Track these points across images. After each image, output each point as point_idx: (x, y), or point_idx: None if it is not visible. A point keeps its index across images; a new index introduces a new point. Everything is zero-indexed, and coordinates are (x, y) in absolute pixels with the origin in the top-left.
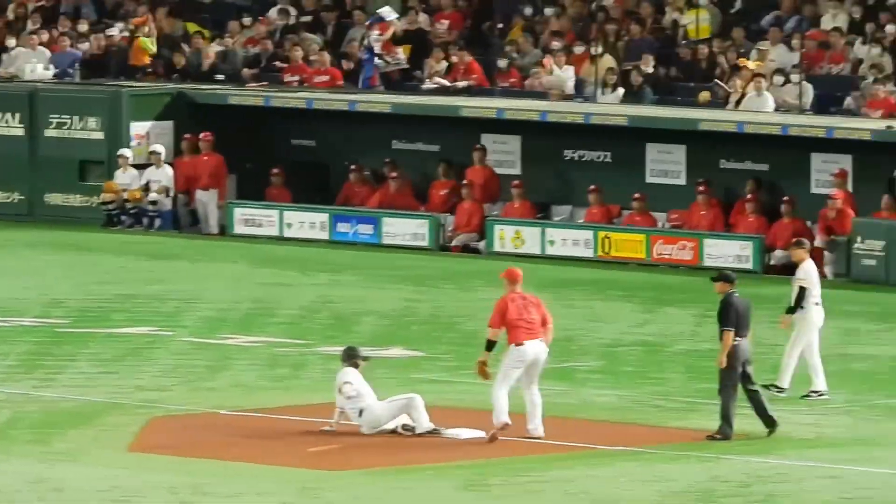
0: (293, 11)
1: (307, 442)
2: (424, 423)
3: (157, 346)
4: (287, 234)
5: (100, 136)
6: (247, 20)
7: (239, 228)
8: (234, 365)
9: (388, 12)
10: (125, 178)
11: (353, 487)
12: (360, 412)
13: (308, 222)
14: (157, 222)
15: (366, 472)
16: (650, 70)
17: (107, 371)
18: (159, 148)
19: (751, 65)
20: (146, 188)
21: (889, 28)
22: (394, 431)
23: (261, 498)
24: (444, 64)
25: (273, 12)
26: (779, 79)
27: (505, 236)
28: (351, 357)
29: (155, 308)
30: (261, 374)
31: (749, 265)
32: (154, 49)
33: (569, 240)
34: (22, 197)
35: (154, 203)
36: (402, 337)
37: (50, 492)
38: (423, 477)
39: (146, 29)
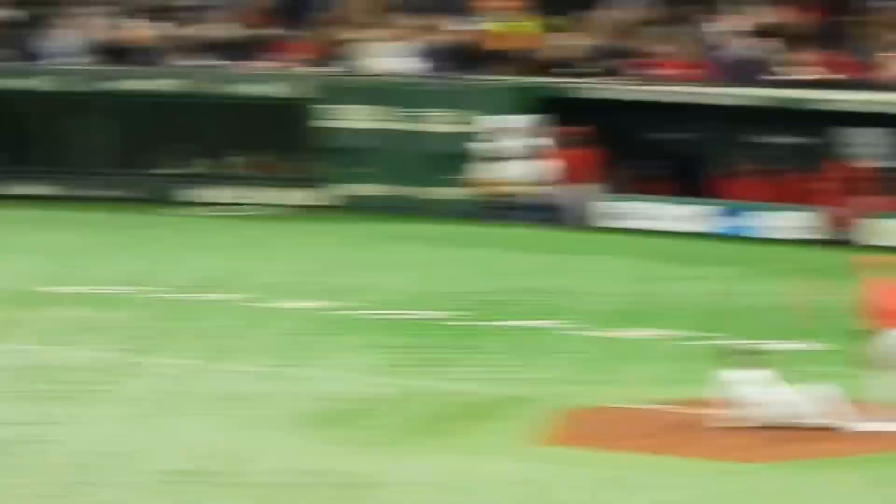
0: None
1: (717, 434)
2: (846, 417)
3: (554, 339)
4: (668, 227)
5: (471, 128)
6: (603, 12)
7: (617, 221)
8: (634, 358)
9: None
10: (506, 171)
11: (766, 481)
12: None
13: (687, 215)
14: (540, 215)
15: (775, 466)
16: None
17: (505, 364)
18: (539, 141)
19: None
20: (526, 182)
21: None
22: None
23: (678, 492)
24: (804, 56)
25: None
26: None
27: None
28: (742, 357)
29: (546, 300)
30: (668, 367)
31: None
32: (532, 34)
33: None
34: (405, 189)
35: (536, 196)
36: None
37: (473, 482)
38: (832, 469)
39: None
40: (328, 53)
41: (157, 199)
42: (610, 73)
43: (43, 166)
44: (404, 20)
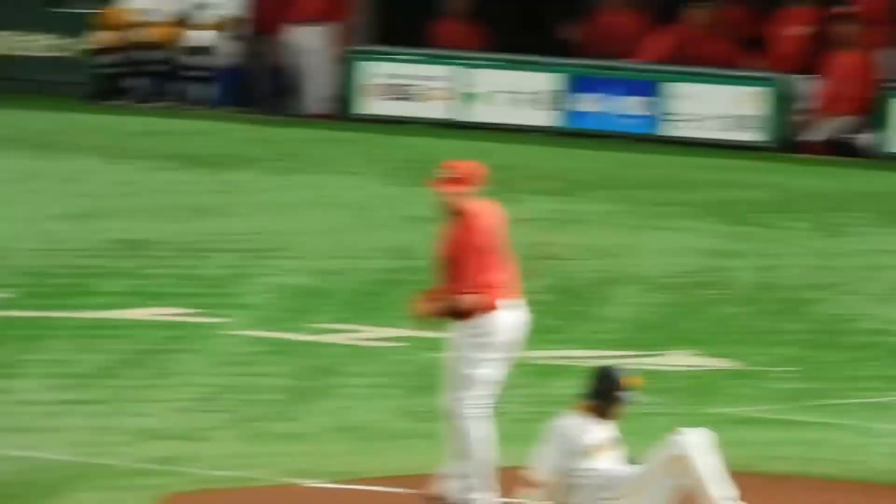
0: None
1: None
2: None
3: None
4: (472, 113)
5: None
6: None
7: (371, 105)
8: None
9: None
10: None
11: None
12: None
13: (517, 91)
14: (209, 89)
15: None
16: None
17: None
18: None
19: None
20: (185, 22)
21: None
22: None
23: None
24: None
25: None
26: None
27: None
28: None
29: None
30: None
31: None
32: None
33: None
34: None
35: (202, 51)
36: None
37: None
38: None
39: None
40: None
41: None
42: None
43: None
44: None
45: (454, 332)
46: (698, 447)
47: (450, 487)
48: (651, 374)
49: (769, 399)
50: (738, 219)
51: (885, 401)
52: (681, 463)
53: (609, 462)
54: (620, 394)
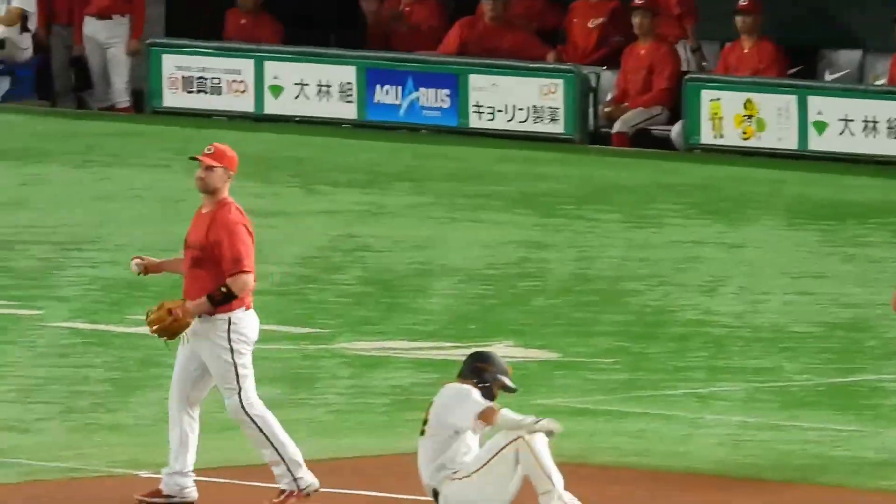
0: None
1: None
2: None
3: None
4: (271, 106)
5: None
6: None
7: (171, 98)
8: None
9: None
10: None
11: None
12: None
13: (315, 83)
14: (3, 82)
15: None
16: None
17: None
18: None
19: None
20: None
21: None
22: None
23: None
24: None
25: None
26: None
27: (722, 112)
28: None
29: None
30: None
31: None
32: None
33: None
34: None
35: None
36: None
37: None
38: None
39: None
40: None
41: None
42: None
43: None
44: None
45: (208, 332)
46: (542, 436)
47: (280, 476)
48: None
49: (593, 390)
50: (548, 211)
51: (709, 391)
52: (526, 446)
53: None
54: (497, 377)
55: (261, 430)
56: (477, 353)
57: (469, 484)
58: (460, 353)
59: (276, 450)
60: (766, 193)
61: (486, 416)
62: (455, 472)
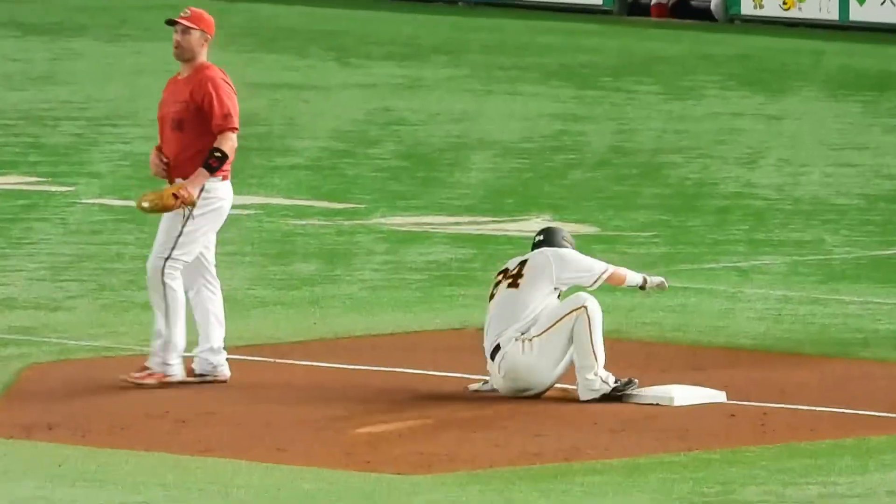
0: None
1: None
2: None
3: None
4: None
5: None
6: None
7: None
8: None
9: None
10: None
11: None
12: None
13: None
14: None
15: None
16: None
17: None
18: None
19: None
20: None
21: None
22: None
23: None
24: None
25: None
26: None
27: None
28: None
29: None
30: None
31: None
32: None
33: None
34: None
35: None
36: None
37: None
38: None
39: None
40: None
41: None
42: None
43: None
44: None
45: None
46: (595, 309)
47: (153, 354)
48: (510, 240)
49: (632, 264)
50: (587, 83)
51: (749, 265)
52: (586, 316)
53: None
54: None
55: (166, 302)
56: (553, 228)
57: (527, 349)
58: (497, 228)
59: (169, 327)
60: (806, 64)
61: (615, 277)
62: (523, 333)
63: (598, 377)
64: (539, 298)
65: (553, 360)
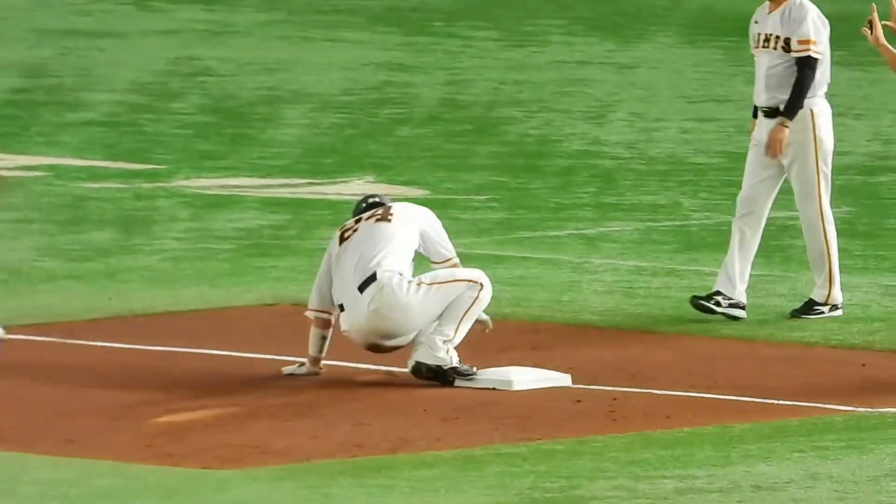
0: None
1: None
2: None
3: None
4: None
5: None
6: None
7: None
8: None
9: None
10: None
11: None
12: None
13: None
14: None
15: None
16: None
17: None
18: None
19: None
20: None
21: None
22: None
23: None
24: None
25: None
26: None
27: None
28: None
29: None
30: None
31: None
32: None
33: None
34: None
35: None
36: None
37: None
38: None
39: None
40: None
41: None
42: None
43: None
44: None
45: None
46: (486, 296)
47: None
48: (330, 205)
49: (468, 231)
50: (415, 28)
51: (597, 232)
52: (478, 294)
53: None
54: None
55: None
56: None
57: (412, 291)
58: (314, 192)
59: None
60: (662, 6)
61: (455, 263)
62: (407, 275)
63: (446, 348)
64: (409, 241)
65: (430, 315)
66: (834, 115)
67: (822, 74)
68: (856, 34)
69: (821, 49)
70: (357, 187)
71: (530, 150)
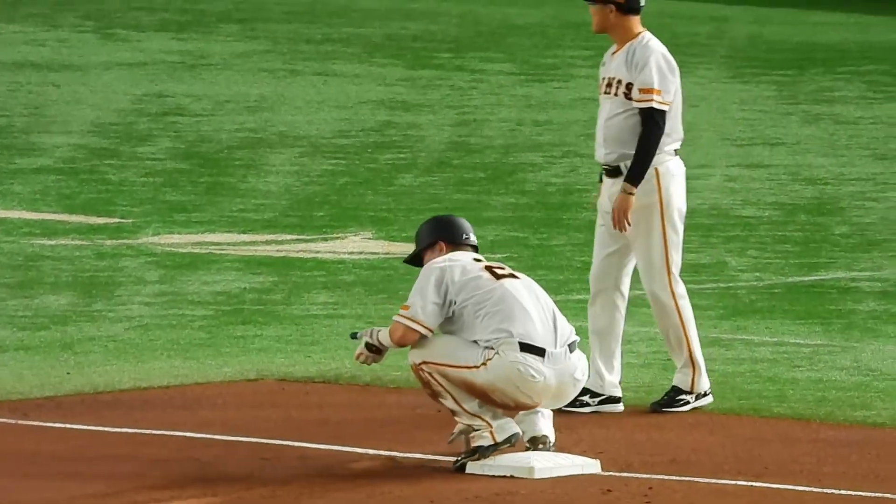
0: None
1: None
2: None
3: None
4: None
5: None
6: None
7: None
8: None
9: None
10: None
11: None
12: None
13: None
14: None
15: None
16: None
17: None
18: None
19: None
20: None
21: None
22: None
23: None
24: None
25: None
26: None
27: None
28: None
29: None
30: None
31: None
32: None
33: None
34: None
35: None
36: None
37: None
38: None
39: None
40: None
41: None
42: None
43: None
44: None
45: None
46: None
47: None
48: (321, 264)
49: None
50: (418, 60)
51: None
52: None
53: None
54: None
55: None
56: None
57: None
58: (304, 249)
59: None
60: (706, 33)
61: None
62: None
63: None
64: None
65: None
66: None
67: (672, 127)
68: None
69: (667, 99)
70: (353, 244)
71: (552, 202)
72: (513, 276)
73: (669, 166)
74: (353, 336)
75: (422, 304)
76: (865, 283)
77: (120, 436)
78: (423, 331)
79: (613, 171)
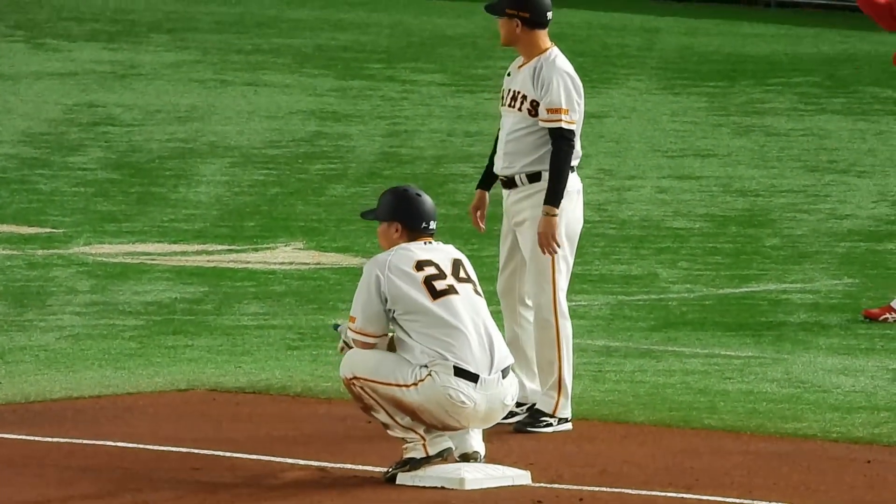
0: None
1: None
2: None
3: None
4: None
5: None
6: None
7: None
8: None
9: None
10: None
11: None
12: None
13: None
14: None
15: None
16: None
17: None
18: None
19: None
20: None
21: None
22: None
23: None
24: None
25: None
26: None
27: None
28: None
29: None
30: None
31: None
32: None
33: None
34: None
35: None
36: None
37: None
38: None
39: None
40: None
41: None
42: None
43: None
44: None
45: None
46: None
47: None
48: (252, 275)
49: None
50: (349, 70)
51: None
52: None
53: None
54: None
55: None
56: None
57: None
58: (235, 259)
59: None
60: (635, 45)
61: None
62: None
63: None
64: None
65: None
66: (835, 171)
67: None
68: (859, 77)
69: (574, 118)
70: (284, 254)
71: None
72: (453, 290)
73: (567, 182)
74: (335, 327)
75: (364, 315)
76: (796, 296)
77: (50, 445)
78: (373, 341)
79: (509, 183)
